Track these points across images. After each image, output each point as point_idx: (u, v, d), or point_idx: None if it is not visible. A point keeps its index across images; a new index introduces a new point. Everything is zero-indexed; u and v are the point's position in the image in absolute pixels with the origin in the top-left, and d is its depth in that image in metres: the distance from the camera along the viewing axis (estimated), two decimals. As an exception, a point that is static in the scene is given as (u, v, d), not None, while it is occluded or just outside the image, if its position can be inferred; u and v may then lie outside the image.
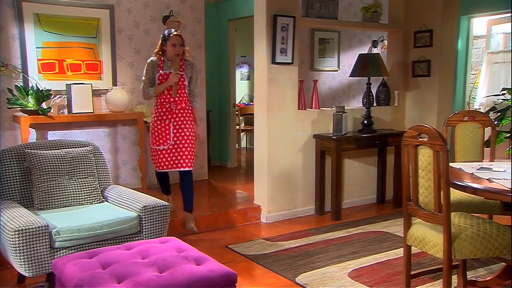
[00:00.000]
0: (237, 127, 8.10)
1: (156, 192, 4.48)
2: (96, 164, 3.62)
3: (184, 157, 4.08)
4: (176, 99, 4.09)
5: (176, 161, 4.08)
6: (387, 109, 5.48)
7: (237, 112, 7.84)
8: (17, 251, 2.74)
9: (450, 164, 2.85)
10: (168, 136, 4.08)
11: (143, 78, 4.17)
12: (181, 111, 4.11)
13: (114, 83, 5.28)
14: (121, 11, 5.31)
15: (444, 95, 5.33)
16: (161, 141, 4.10)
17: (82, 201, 3.41)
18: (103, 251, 2.54)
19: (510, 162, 3.18)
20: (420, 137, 2.66)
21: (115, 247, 2.65)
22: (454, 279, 2.95)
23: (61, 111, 4.95)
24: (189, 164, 4.09)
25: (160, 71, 4.10)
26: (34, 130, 4.78)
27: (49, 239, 2.85)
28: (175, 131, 4.08)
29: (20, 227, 2.74)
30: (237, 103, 7.92)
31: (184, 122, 4.11)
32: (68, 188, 3.37)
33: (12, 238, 2.73)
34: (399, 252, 3.59)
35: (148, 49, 5.48)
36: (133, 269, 2.27)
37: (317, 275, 3.39)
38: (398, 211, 5.01)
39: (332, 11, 4.99)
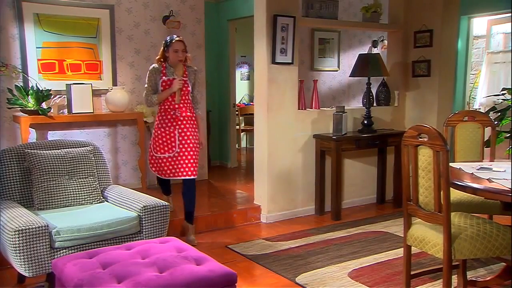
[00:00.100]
0: (237, 127, 8.10)
1: (156, 192, 4.48)
2: (96, 164, 3.62)
3: (189, 165, 3.99)
4: (181, 105, 4.02)
5: (182, 169, 3.99)
6: (387, 109, 5.48)
7: (237, 112, 7.84)
8: (17, 251, 2.74)
9: (450, 164, 2.85)
10: (173, 144, 4.01)
11: (146, 85, 4.07)
12: (186, 118, 4.03)
13: (114, 83, 5.28)
14: (121, 11, 5.31)
15: (444, 95, 5.33)
16: (166, 148, 4.03)
17: (82, 201, 3.41)
18: (103, 251, 2.54)
19: (510, 162, 3.18)
20: (420, 137, 2.66)
21: (115, 247, 2.65)
22: (454, 279, 2.95)
23: (61, 111, 4.95)
24: (194, 172, 4.00)
25: (163, 77, 4.01)
26: (34, 130, 4.78)
27: (49, 239, 2.85)
28: (180, 138, 4.00)
29: (20, 227, 2.74)
30: (237, 103, 7.92)
31: (191, 129, 4.03)
32: (68, 188, 3.37)
33: (12, 238, 2.73)
34: (399, 252, 3.59)
35: (148, 49, 5.49)
36: (133, 269, 2.27)
37: (317, 275, 3.39)
38: (398, 211, 5.01)
39: (332, 11, 4.99)
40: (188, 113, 4.06)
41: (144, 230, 3.23)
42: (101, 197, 3.55)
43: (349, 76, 5.46)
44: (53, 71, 4.95)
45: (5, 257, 3.00)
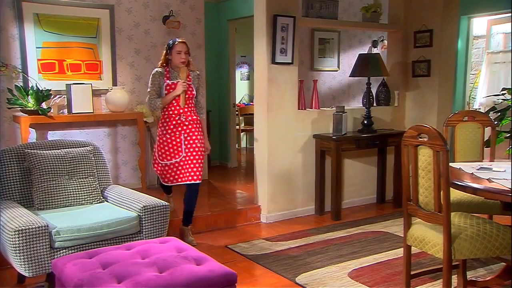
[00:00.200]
0: (237, 127, 8.10)
1: (156, 192, 4.49)
2: (96, 164, 3.62)
3: (195, 169, 3.94)
4: (186, 109, 3.96)
5: (187, 173, 3.95)
6: (387, 109, 5.48)
7: (237, 112, 7.84)
8: (17, 251, 2.74)
9: (450, 164, 2.85)
10: (180, 149, 3.95)
11: (149, 89, 3.98)
12: (192, 122, 3.98)
13: (114, 83, 5.28)
14: (121, 11, 5.31)
15: (444, 95, 5.33)
16: (172, 155, 3.96)
17: (82, 201, 3.41)
18: (103, 251, 2.54)
19: (510, 162, 3.18)
20: (420, 137, 2.66)
21: (115, 247, 2.65)
22: (454, 279, 2.95)
23: (61, 111, 4.95)
24: (199, 177, 3.96)
25: (167, 81, 3.95)
26: (34, 130, 4.78)
27: (49, 239, 2.85)
28: (186, 142, 3.95)
29: (20, 227, 2.74)
30: (237, 103, 7.92)
31: (196, 133, 3.99)
32: (68, 188, 3.37)
33: (12, 238, 2.73)
34: (399, 252, 3.59)
35: (148, 49, 5.49)
36: (133, 269, 2.27)
37: (317, 275, 3.39)
38: (398, 211, 5.01)
39: (332, 11, 4.99)
40: (194, 117, 4.01)
41: (144, 230, 3.23)
42: (101, 197, 3.55)
43: (349, 76, 5.46)
44: (53, 71, 4.95)
45: (5, 257, 3.00)
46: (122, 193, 3.52)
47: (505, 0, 5.53)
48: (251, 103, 8.92)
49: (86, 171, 3.48)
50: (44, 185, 3.29)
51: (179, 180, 4.00)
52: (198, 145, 3.98)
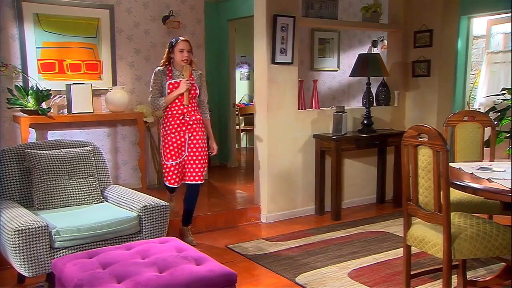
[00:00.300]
0: (237, 127, 8.10)
1: (156, 192, 4.48)
2: (96, 164, 3.61)
3: (197, 169, 3.93)
4: (189, 109, 3.90)
5: (188, 173, 3.94)
6: (387, 109, 5.48)
7: (237, 112, 7.84)
8: (17, 251, 2.74)
9: (450, 164, 2.85)
10: (183, 148, 3.91)
11: (151, 89, 3.91)
12: (196, 122, 3.94)
13: (114, 83, 5.28)
14: (121, 11, 5.31)
15: (444, 95, 5.33)
16: (177, 154, 3.90)
17: (82, 201, 3.41)
18: (103, 251, 2.54)
19: (510, 162, 3.18)
20: (420, 137, 2.66)
21: (115, 247, 2.65)
22: (454, 279, 2.95)
23: (61, 111, 4.95)
24: (201, 178, 3.96)
25: (170, 80, 3.89)
26: (34, 130, 4.78)
27: (49, 239, 2.85)
28: (189, 142, 3.92)
29: (20, 227, 2.74)
30: (237, 103, 7.92)
31: (200, 133, 3.96)
32: (68, 188, 3.37)
33: (12, 238, 2.73)
34: (399, 252, 3.59)
35: (148, 49, 5.49)
36: (133, 269, 2.27)
37: (317, 275, 3.39)
38: (398, 211, 5.01)
39: (332, 11, 4.99)
40: (198, 116, 3.97)
41: (144, 230, 3.23)
42: (101, 197, 3.55)
43: (349, 76, 5.46)
44: (53, 71, 4.95)
45: (5, 257, 3.00)
46: (122, 193, 3.52)
47: (505, 0, 5.53)
48: (251, 103, 8.92)
49: (86, 171, 3.48)
50: (44, 185, 3.29)
51: (182, 180, 3.97)
52: (201, 145, 3.96)
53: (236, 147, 7.61)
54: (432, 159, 2.53)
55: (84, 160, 3.50)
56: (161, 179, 5.60)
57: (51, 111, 4.69)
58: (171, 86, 3.89)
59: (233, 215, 4.66)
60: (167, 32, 5.53)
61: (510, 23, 5.65)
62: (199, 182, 3.96)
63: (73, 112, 4.76)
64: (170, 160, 3.92)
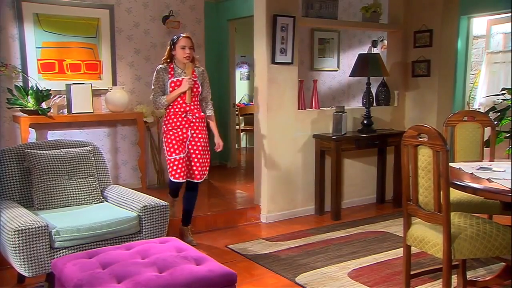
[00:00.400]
0: (237, 127, 8.10)
1: (156, 192, 4.48)
2: (96, 164, 3.61)
3: (200, 168, 3.92)
4: (192, 107, 3.86)
5: (191, 171, 3.91)
6: (387, 109, 5.49)
7: (237, 112, 7.84)
8: (17, 251, 2.74)
9: (450, 164, 2.85)
10: (185, 145, 3.86)
11: (153, 87, 3.86)
12: (198, 120, 3.91)
13: (114, 83, 5.28)
14: (121, 11, 5.31)
15: (444, 95, 5.33)
16: (180, 148, 3.85)
17: (82, 201, 3.41)
18: (102, 251, 2.54)
19: (510, 162, 3.18)
20: (420, 137, 2.66)
21: (114, 247, 2.65)
22: (454, 279, 2.95)
23: (61, 111, 4.95)
24: (203, 177, 3.95)
25: (172, 78, 3.83)
26: (34, 130, 4.78)
27: (48, 239, 2.85)
28: (191, 139, 3.88)
29: (20, 227, 2.74)
30: (237, 103, 7.92)
31: (202, 132, 3.93)
32: (68, 188, 3.37)
33: (12, 238, 2.73)
34: (399, 252, 3.59)
35: (148, 49, 5.49)
36: (133, 269, 2.27)
37: (317, 275, 3.39)
38: (398, 211, 5.01)
39: (332, 11, 4.99)
40: (201, 114, 3.95)
41: (144, 230, 3.23)
42: (101, 197, 3.55)
43: (349, 76, 5.46)
44: (52, 71, 4.95)
45: (5, 257, 3.00)
46: (122, 193, 3.52)
47: (505, 0, 5.53)
48: (251, 103, 8.92)
49: (86, 171, 3.48)
50: (44, 185, 3.29)
51: (186, 177, 3.88)
52: (203, 143, 3.93)
53: (236, 147, 7.61)
54: (432, 159, 2.53)
55: (84, 160, 3.50)
56: (161, 179, 5.60)
57: (51, 111, 4.69)
58: (173, 84, 3.84)
59: (233, 215, 4.66)
60: (167, 32, 5.53)
61: (510, 23, 5.65)
62: (199, 181, 3.96)
63: (73, 112, 4.76)
64: (174, 154, 3.83)
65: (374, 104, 5.42)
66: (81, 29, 5.06)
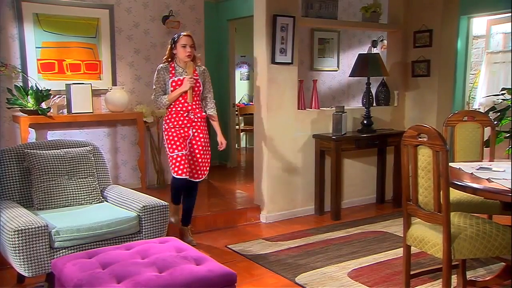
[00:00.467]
0: (237, 127, 8.10)
1: (156, 192, 4.49)
2: (95, 164, 3.61)
3: (203, 168, 3.93)
4: (194, 106, 3.85)
5: (194, 171, 3.92)
6: (387, 109, 5.49)
7: (236, 112, 7.84)
8: (17, 251, 2.74)
9: (450, 164, 2.85)
10: (186, 142, 3.85)
11: (154, 86, 3.85)
12: (200, 120, 3.91)
13: (114, 83, 5.28)
14: (121, 11, 5.31)
15: (444, 95, 5.33)
16: (182, 145, 3.82)
17: (81, 201, 3.41)
18: (102, 251, 2.54)
19: (510, 162, 3.18)
20: (420, 137, 2.66)
21: (114, 247, 2.65)
22: (454, 279, 2.95)
23: (61, 111, 4.95)
24: (201, 176, 3.95)
25: (173, 77, 3.81)
26: (33, 130, 4.78)
27: (48, 239, 2.84)
28: (192, 138, 3.88)
29: (19, 227, 2.74)
30: (236, 103, 7.92)
31: (204, 131, 3.94)
32: (68, 188, 3.37)
33: (11, 238, 2.73)
34: (399, 252, 3.59)
35: (147, 49, 5.49)
36: (132, 269, 2.27)
37: (317, 275, 3.39)
38: (397, 211, 5.01)
39: (331, 11, 4.99)
40: (203, 113, 3.94)
41: (143, 230, 3.23)
42: (101, 197, 3.55)
43: (349, 76, 5.46)
44: (52, 71, 4.95)
45: (4, 257, 3.00)
46: (121, 193, 3.52)
47: (505, 0, 5.53)
48: (250, 103, 8.92)
49: (85, 171, 3.48)
50: (44, 185, 3.28)
51: (190, 174, 3.87)
52: (204, 144, 3.94)
53: (236, 147, 7.61)
54: (432, 159, 2.53)
55: (84, 160, 3.50)
56: (160, 179, 5.60)
57: (51, 111, 4.69)
58: (174, 84, 3.82)
59: (233, 215, 4.65)
60: (166, 32, 5.53)
61: (510, 23, 5.65)
62: (199, 180, 3.96)
63: (72, 112, 4.76)
64: (176, 151, 3.81)
65: (374, 104, 5.42)
66: (81, 29, 5.06)
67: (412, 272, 2.92)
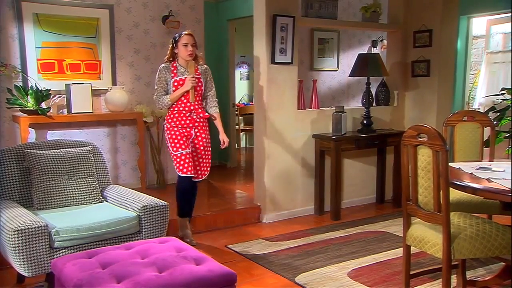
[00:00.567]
0: (237, 127, 8.10)
1: (156, 192, 4.49)
2: (95, 164, 3.61)
3: (204, 168, 3.94)
4: (196, 106, 3.83)
5: (197, 169, 3.92)
6: (387, 109, 5.49)
7: (236, 112, 7.84)
8: (17, 251, 2.74)
9: (450, 164, 2.85)
10: (189, 142, 3.85)
11: (156, 86, 3.84)
12: (202, 120, 3.90)
13: (114, 83, 5.28)
14: (121, 11, 5.31)
15: (444, 95, 5.33)
16: (186, 144, 3.81)
17: (81, 201, 3.41)
18: (102, 251, 2.54)
19: (510, 162, 3.18)
20: (420, 137, 2.66)
21: (114, 247, 2.65)
22: (454, 279, 2.95)
23: (61, 111, 4.95)
24: (203, 176, 3.97)
25: (175, 77, 3.80)
26: (33, 130, 4.78)
27: (48, 239, 2.84)
28: (194, 137, 3.88)
29: (19, 227, 2.74)
30: (236, 103, 7.92)
31: (206, 132, 3.94)
32: (68, 188, 3.37)
33: (11, 238, 2.73)
34: (399, 252, 3.59)
35: (147, 49, 5.49)
36: (132, 269, 2.27)
37: (317, 275, 3.39)
38: (397, 211, 5.01)
39: (331, 11, 4.99)
40: (205, 113, 3.93)
41: (143, 230, 3.23)
42: (101, 197, 3.54)
43: (349, 76, 5.45)
44: (52, 71, 4.95)
45: (4, 257, 3.00)
46: (121, 193, 3.52)
47: (505, 0, 5.53)
48: (250, 103, 8.92)
49: (85, 171, 3.48)
50: (44, 185, 3.28)
51: (194, 172, 3.85)
52: (205, 144, 3.94)
53: (236, 147, 7.61)
54: (431, 159, 2.53)
55: (84, 160, 3.50)
56: (160, 179, 5.60)
57: (51, 111, 4.70)
58: (176, 84, 3.81)
59: (232, 215, 4.65)
60: (166, 32, 5.53)
61: (510, 23, 5.65)
62: (199, 180, 3.96)
63: (72, 112, 4.77)
64: (180, 149, 3.79)
65: (374, 104, 5.42)
66: (80, 29, 5.06)
67: (412, 272, 2.92)
